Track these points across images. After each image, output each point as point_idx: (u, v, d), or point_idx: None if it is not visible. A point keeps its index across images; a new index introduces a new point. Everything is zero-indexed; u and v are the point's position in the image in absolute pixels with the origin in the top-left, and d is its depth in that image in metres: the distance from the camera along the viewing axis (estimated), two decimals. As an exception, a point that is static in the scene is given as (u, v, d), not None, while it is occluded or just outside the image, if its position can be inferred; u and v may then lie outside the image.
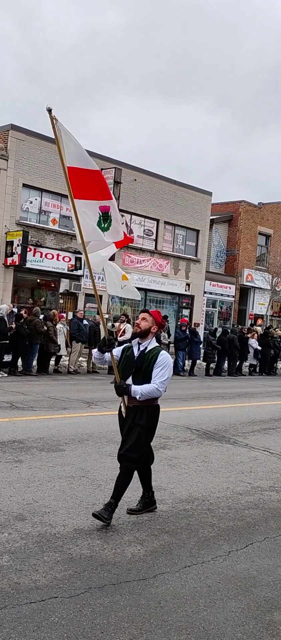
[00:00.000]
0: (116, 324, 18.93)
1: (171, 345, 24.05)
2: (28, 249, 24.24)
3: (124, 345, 6.33)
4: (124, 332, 18.26)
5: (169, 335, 23.27)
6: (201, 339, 25.76)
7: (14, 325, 17.53)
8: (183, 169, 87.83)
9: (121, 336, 17.98)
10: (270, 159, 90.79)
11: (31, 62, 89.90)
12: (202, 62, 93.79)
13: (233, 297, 35.88)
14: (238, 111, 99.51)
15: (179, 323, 24.11)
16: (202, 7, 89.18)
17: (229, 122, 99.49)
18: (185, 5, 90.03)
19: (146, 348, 5.95)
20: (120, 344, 17.64)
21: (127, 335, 17.69)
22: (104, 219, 6.18)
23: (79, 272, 26.53)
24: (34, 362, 18.73)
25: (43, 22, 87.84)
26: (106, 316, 27.36)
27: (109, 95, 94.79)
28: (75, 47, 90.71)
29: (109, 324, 18.96)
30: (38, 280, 26.28)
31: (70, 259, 26.34)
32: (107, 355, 6.10)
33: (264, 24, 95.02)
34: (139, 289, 29.80)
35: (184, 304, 32.37)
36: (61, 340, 19.46)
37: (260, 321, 35.51)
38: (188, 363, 23.69)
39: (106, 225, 6.18)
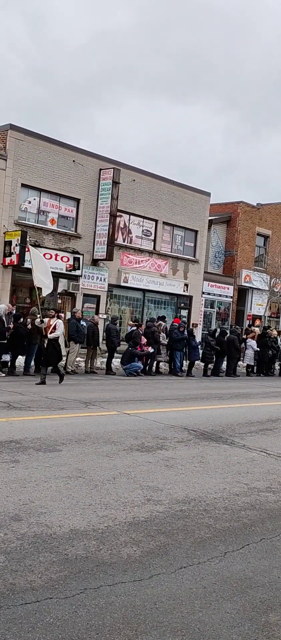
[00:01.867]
0: (46, 320, 17.52)
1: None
2: (26, 249, 24.23)
3: None
4: (54, 328, 17.05)
5: (167, 336, 23.27)
6: (198, 340, 25.74)
7: (12, 326, 17.58)
8: (186, 168, 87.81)
9: (51, 333, 16.89)
10: (275, 159, 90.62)
11: (39, 61, 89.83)
12: (211, 62, 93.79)
13: (231, 297, 35.91)
14: (244, 112, 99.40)
15: (173, 324, 24.09)
16: (213, 7, 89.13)
17: (236, 123, 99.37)
18: (196, 5, 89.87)
19: None
20: (50, 341, 17.23)
21: (58, 332, 17.12)
22: None
23: (78, 272, 26.53)
24: (32, 362, 18.72)
25: (52, 21, 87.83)
26: (105, 316, 27.39)
27: (115, 95, 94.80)
28: (83, 47, 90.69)
29: (38, 320, 17.81)
30: (36, 280, 26.26)
31: (68, 259, 26.35)
32: None
33: (275, 24, 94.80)
34: (137, 289, 29.99)
35: (182, 305, 32.39)
36: (60, 340, 19.44)
37: (258, 322, 35.53)
38: (185, 363, 23.69)
39: None
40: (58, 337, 17.12)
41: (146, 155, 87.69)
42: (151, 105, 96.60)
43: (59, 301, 26.42)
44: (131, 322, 24.79)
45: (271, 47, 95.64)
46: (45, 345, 16.95)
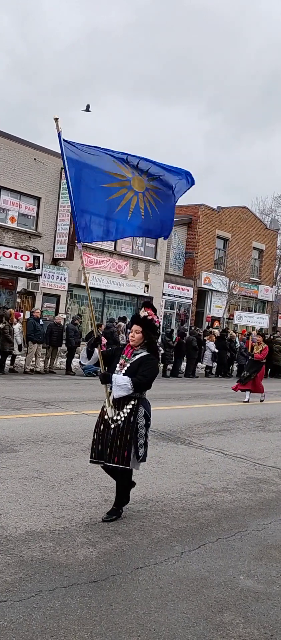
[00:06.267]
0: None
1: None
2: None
3: None
4: None
5: (127, 336, 23.23)
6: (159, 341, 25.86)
7: None
8: None
9: None
10: (255, 165, 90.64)
11: (26, 59, 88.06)
12: (200, 66, 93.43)
13: (191, 299, 36.18)
14: (229, 116, 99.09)
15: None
16: (206, 11, 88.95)
17: (219, 127, 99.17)
18: (191, 8, 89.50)
19: None
20: None
21: None
22: None
23: (38, 272, 26.28)
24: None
25: (43, 19, 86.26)
26: (64, 316, 27.21)
27: (100, 95, 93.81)
28: (73, 45, 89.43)
29: None
30: (-5, 279, 25.90)
31: (28, 258, 26.06)
32: None
33: (264, 30, 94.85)
34: (97, 289, 29.89)
35: (142, 306, 32.42)
36: (20, 340, 19.23)
37: (216, 323, 35.91)
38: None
39: None
40: None
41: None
42: (136, 107, 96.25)
43: (18, 300, 26.11)
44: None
45: (260, 52, 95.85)
46: None
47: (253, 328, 26.17)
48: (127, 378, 5.80)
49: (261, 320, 27.22)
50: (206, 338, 26.58)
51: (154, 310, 6.05)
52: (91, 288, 29.15)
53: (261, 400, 17.60)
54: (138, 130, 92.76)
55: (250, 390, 17.53)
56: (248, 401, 17.11)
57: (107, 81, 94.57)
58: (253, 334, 21.76)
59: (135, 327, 6.03)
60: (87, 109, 28.29)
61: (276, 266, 45.24)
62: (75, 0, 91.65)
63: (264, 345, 18.14)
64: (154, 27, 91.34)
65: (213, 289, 36.89)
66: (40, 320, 20.36)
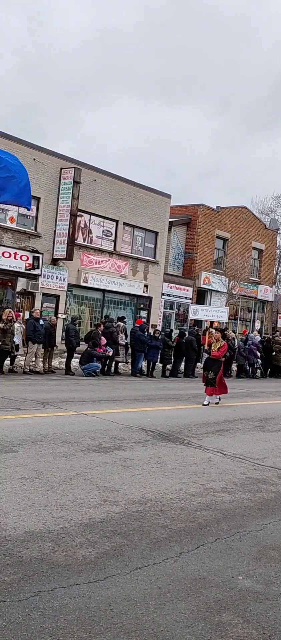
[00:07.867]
0: None
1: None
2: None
3: None
4: None
5: (126, 336, 23.25)
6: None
7: None
8: (170, 172, 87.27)
9: None
10: (259, 166, 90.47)
11: (35, 60, 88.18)
12: (209, 66, 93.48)
13: (191, 299, 36.19)
14: (236, 117, 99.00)
15: (137, 325, 24.06)
16: (217, 13, 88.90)
17: (226, 128, 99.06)
18: (200, 9, 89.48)
19: None
20: None
21: None
22: None
23: (37, 272, 26.28)
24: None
25: (52, 19, 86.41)
26: (64, 316, 27.22)
27: (107, 95, 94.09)
28: (82, 46, 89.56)
29: None
30: (-6, 279, 25.92)
31: (28, 258, 26.08)
32: None
33: (275, 30, 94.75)
34: (97, 289, 29.89)
35: (142, 306, 32.46)
36: (19, 340, 19.22)
37: (216, 324, 35.91)
38: (144, 364, 23.72)
39: None
40: None
41: (132, 157, 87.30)
42: (143, 107, 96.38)
43: (18, 300, 26.11)
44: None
45: (270, 52, 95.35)
46: None
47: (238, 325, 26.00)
48: None
49: (219, 314, 26.03)
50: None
51: None
52: (91, 288, 29.26)
53: (217, 403, 16.11)
54: (145, 130, 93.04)
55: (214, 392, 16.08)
56: (208, 404, 15.63)
57: (115, 82, 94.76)
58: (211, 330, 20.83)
59: None
60: None
61: (276, 266, 45.30)
62: (84, 1, 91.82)
63: (222, 342, 16.95)
64: (163, 28, 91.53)
65: (213, 289, 36.90)
66: (41, 321, 20.32)
